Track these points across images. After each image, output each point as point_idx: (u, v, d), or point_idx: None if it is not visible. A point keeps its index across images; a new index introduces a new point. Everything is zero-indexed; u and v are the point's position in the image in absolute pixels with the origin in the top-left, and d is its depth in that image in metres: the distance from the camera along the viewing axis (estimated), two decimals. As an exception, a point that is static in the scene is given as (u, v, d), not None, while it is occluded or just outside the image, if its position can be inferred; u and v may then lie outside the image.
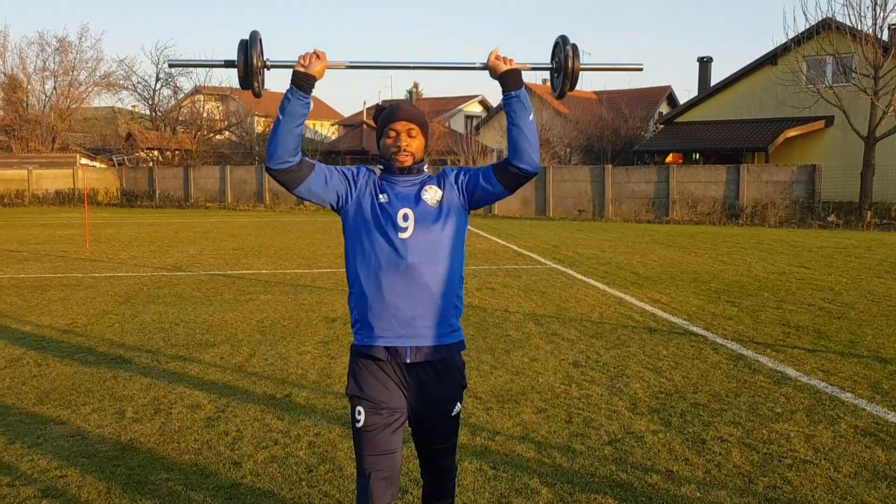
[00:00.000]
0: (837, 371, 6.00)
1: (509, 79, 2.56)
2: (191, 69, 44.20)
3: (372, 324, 2.57)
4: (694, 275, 11.58)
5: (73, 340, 7.07)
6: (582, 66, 2.64)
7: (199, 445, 4.40)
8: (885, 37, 23.94)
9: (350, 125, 47.31)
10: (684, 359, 6.40)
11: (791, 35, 26.87)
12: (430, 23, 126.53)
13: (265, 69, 2.57)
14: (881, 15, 23.46)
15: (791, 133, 28.06)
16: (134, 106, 49.03)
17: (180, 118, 44.13)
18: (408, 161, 2.62)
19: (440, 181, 2.68)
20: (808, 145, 28.65)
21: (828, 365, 6.19)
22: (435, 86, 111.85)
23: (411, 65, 2.63)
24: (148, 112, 45.54)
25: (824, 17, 25.56)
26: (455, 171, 2.72)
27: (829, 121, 27.78)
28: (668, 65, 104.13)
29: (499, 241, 17.68)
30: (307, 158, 2.59)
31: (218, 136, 45.56)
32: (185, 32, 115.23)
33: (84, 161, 39.79)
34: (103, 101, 48.56)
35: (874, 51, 23.33)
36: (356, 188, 2.63)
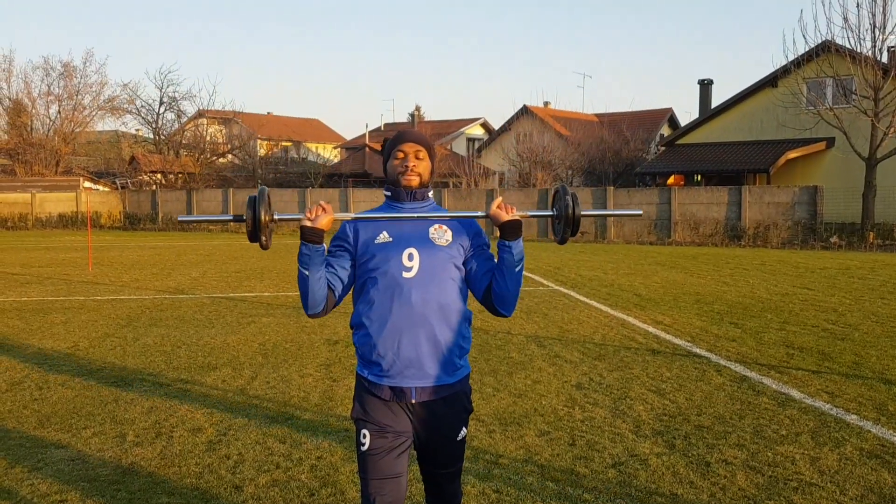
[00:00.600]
0: (842, 393, 5.97)
1: (508, 229, 2.56)
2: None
3: (377, 363, 2.57)
4: (697, 296, 11.56)
5: (74, 364, 7.06)
6: (582, 214, 2.66)
7: (201, 469, 4.38)
8: (885, 59, 24.07)
9: (353, 148, 47.48)
10: (688, 381, 6.37)
11: (791, 57, 27.04)
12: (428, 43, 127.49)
13: (272, 223, 2.60)
14: (880, 37, 23.61)
15: (792, 154, 28.15)
16: (137, 130, 49.29)
17: (183, 141, 44.34)
18: (415, 181, 2.62)
19: (458, 225, 2.67)
20: (810, 167, 28.71)
21: (832, 387, 6.16)
22: (437, 109, 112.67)
23: (414, 215, 2.62)
24: (151, 136, 45.78)
25: (824, 39, 25.71)
26: (478, 234, 2.71)
27: (831, 142, 27.87)
28: (669, 87, 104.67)
29: (501, 263, 17.67)
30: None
31: (221, 160, 45.74)
32: (188, 57, 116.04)
33: (87, 184, 39.93)
34: (107, 125, 48.81)
35: (874, 73, 23.45)
36: (356, 244, 2.63)
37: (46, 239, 27.53)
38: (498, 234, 2.64)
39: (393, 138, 2.69)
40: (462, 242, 2.65)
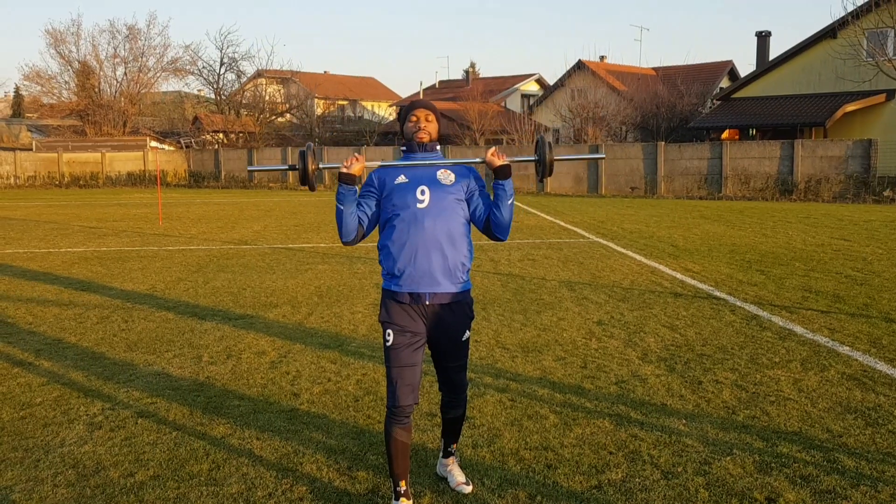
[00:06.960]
0: (843, 329, 6.48)
1: (501, 172, 3.25)
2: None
3: (398, 276, 3.27)
4: (732, 247, 11.99)
5: (153, 302, 7.99)
6: (555, 158, 3.37)
7: (265, 381, 5.20)
8: (947, 8, 23.48)
9: (407, 106, 47.99)
10: (701, 318, 6.95)
11: (850, 8, 26.56)
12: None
13: (318, 171, 3.47)
14: (942, -15, 23.01)
15: (850, 107, 27.71)
16: (199, 90, 50.76)
17: (244, 101, 45.54)
18: (425, 138, 3.32)
19: (460, 171, 3.35)
20: (868, 120, 28.23)
21: (836, 324, 6.66)
22: (492, 65, 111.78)
23: (426, 162, 3.30)
24: (213, 96, 47.09)
25: (884, -12, 25.14)
26: (477, 178, 3.39)
27: (890, 94, 27.34)
28: (729, 40, 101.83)
29: (547, 217, 18.23)
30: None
31: (279, 119, 46.87)
32: (246, 18, 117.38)
33: (154, 144, 41.52)
34: (171, 85, 50.39)
35: (935, 22, 22.93)
36: (381, 188, 3.32)
37: (117, 196, 29.02)
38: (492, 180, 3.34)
39: (406, 107, 3.40)
40: (463, 183, 3.32)
